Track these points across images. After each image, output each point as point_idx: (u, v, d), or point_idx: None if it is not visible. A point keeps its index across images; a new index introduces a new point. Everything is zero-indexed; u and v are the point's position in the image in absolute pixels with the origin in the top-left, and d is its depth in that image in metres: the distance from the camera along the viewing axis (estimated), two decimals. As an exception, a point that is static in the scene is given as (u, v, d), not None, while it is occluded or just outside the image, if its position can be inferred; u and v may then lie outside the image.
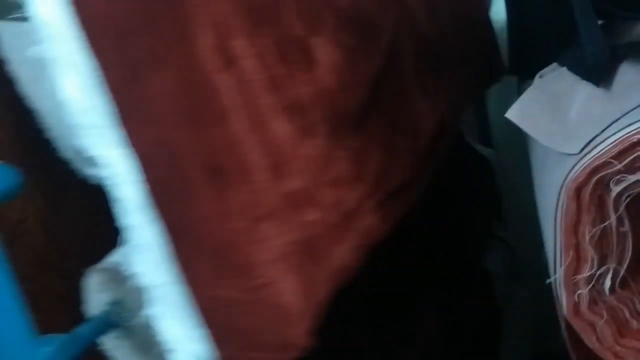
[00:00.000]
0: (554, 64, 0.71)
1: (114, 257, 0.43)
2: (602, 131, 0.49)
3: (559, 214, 0.48)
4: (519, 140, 1.48)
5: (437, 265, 0.87)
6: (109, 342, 0.44)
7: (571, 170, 0.49)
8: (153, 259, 0.40)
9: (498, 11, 1.32)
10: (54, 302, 0.47)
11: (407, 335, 0.76)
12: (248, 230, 0.40)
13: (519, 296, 1.31)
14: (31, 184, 0.47)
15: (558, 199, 0.49)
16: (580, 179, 0.46)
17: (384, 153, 0.61)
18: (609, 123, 0.50)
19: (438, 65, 0.80)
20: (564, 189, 0.48)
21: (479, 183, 1.21)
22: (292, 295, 0.42)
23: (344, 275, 0.50)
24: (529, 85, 1.08)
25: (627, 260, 0.48)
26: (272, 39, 0.47)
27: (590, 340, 0.47)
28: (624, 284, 0.49)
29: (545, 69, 0.71)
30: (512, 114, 0.63)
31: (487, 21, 1.08)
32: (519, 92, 1.11)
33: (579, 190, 0.46)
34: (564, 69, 0.66)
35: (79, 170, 0.44)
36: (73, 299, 0.44)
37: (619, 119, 0.50)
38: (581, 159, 0.49)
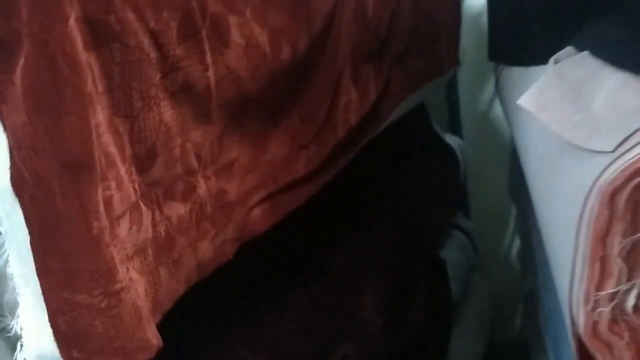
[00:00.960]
0: (569, 48, 0.61)
1: None
2: None
3: (585, 221, 0.42)
4: (490, 129, 1.47)
5: (382, 247, 0.87)
6: None
7: (604, 171, 0.42)
8: (15, 248, 0.38)
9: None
10: None
11: (344, 324, 0.75)
12: (110, 230, 0.39)
13: (476, 286, 1.31)
14: None
15: (584, 205, 0.43)
16: (618, 183, 0.40)
17: (289, 144, 0.59)
18: None
19: (382, 52, 0.77)
20: (594, 192, 0.42)
21: (440, 171, 1.20)
22: (142, 295, 0.41)
23: (207, 270, 0.49)
24: (505, 71, 1.05)
25: None
26: (174, 13, 0.44)
27: None
28: None
29: (560, 53, 0.62)
30: (527, 101, 0.55)
31: (454, 6, 1.04)
32: (497, 79, 1.09)
33: (614, 195, 0.40)
34: (585, 53, 0.58)
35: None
36: None
37: None
38: (617, 158, 0.42)
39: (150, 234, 0.43)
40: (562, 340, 0.76)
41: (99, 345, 0.38)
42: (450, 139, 1.31)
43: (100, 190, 0.38)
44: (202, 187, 0.49)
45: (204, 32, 0.47)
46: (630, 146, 0.42)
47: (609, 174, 0.41)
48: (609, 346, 0.42)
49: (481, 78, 1.39)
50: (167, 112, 0.44)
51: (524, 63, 0.88)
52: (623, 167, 0.40)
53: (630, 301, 0.42)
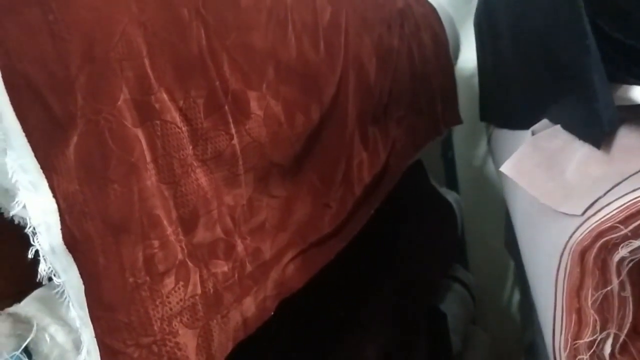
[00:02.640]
0: (545, 120, 0.69)
1: (27, 302, 0.45)
2: (605, 194, 0.48)
3: (561, 276, 0.47)
4: (485, 184, 1.52)
5: (385, 304, 0.90)
6: None
7: (574, 232, 0.47)
8: (74, 296, 0.42)
9: (471, 59, 1.38)
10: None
11: None
12: (149, 286, 0.42)
13: (476, 338, 1.33)
14: None
15: (560, 261, 0.48)
16: (586, 242, 0.45)
17: (312, 203, 0.63)
18: (611, 186, 0.49)
19: (385, 115, 0.84)
20: (566, 251, 0.47)
21: (439, 225, 1.24)
22: (190, 351, 0.44)
23: (252, 326, 0.52)
24: (495, 131, 1.11)
25: (627, 326, 0.46)
26: (200, 92, 0.50)
27: None
28: (623, 349, 0.47)
29: (537, 125, 0.70)
30: (507, 169, 0.62)
31: (447, 72, 1.12)
32: (488, 138, 1.15)
33: (583, 253, 0.45)
34: (558, 126, 0.65)
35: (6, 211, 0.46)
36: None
37: (619, 183, 0.49)
38: (585, 221, 0.47)
39: (199, 290, 0.46)
40: None
41: None
42: (447, 194, 1.35)
43: (140, 248, 0.42)
44: (240, 246, 0.52)
45: (226, 107, 0.53)
46: (595, 210, 0.48)
47: (578, 235, 0.47)
48: None
49: (475, 134, 1.46)
50: (202, 178, 0.49)
51: (510, 127, 0.95)
52: (590, 229, 0.46)
53: (607, 349, 0.46)
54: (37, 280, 0.45)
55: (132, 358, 0.41)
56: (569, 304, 0.46)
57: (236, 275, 0.51)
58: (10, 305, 0.49)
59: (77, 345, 0.44)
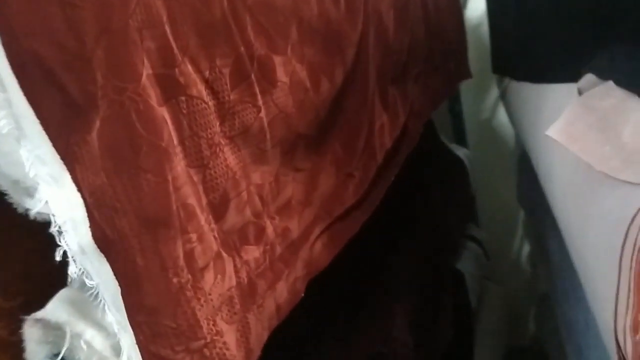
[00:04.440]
0: (591, 76, 0.63)
1: (56, 306, 0.41)
2: None
3: (628, 252, 0.43)
4: (493, 138, 1.49)
5: (409, 268, 0.87)
6: None
7: None
8: (109, 299, 0.38)
9: (477, 8, 1.31)
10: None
11: (380, 347, 0.76)
12: (192, 284, 0.38)
13: (491, 294, 1.33)
14: None
15: (626, 236, 0.43)
16: None
17: (336, 174, 0.59)
18: None
19: (404, 74, 0.78)
20: (635, 225, 0.42)
21: (454, 184, 1.21)
22: (233, 349, 0.40)
23: (285, 311, 0.49)
24: (509, 84, 1.06)
25: None
26: (226, 60, 0.45)
27: None
28: None
29: (583, 82, 0.63)
30: (556, 133, 0.57)
31: (458, 24, 1.06)
32: (502, 92, 1.10)
33: None
34: (610, 83, 0.59)
35: (19, 205, 0.41)
36: (18, 343, 0.43)
37: None
38: None
39: (234, 281, 0.43)
40: (589, 352, 0.77)
41: None
42: (457, 150, 1.32)
43: (180, 244, 0.38)
44: (269, 228, 0.49)
45: (253, 76, 0.47)
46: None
47: None
48: None
49: (483, 87, 1.41)
50: (230, 157, 0.44)
51: (532, 80, 0.89)
52: None
53: None
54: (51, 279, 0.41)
55: None
56: (638, 282, 0.42)
57: (267, 260, 0.48)
58: (29, 305, 0.45)
59: (117, 351, 0.40)
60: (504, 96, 1.11)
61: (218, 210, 0.43)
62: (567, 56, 0.73)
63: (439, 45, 0.93)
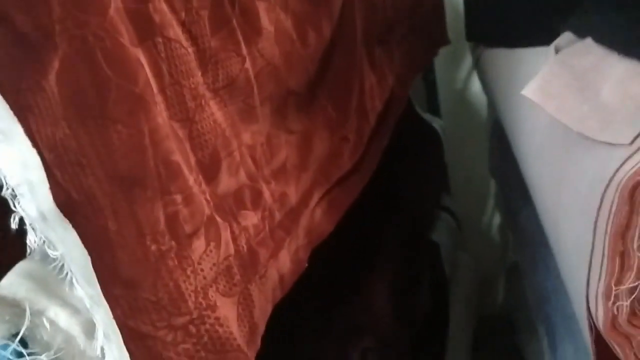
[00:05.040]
0: (569, 34, 0.59)
1: (13, 281, 0.35)
2: None
3: (603, 216, 0.41)
4: (467, 109, 1.47)
5: (388, 240, 0.85)
6: None
7: (622, 165, 0.40)
8: (78, 271, 0.33)
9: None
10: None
11: (360, 319, 0.73)
12: (177, 252, 0.33)
13: (463, 264, 1.33)
14: None
15: (602, 199, 0.41)
16: (638, 178, 0.38)
17: (330, 137, 0.55)
18: None
19: (389, 35, 0.74)
20: (612, 187, 0.40)
21: (428, 154, 1.19)
22: (231, 324, 0.36)
23: (289, 283, 0.45)
24: (486, 52, 1.04)
25: None
26: (203, 2, 0.39)
27: (626, 355, 0.42)
28: None
29: (560, 40, 0.60)
30: (531, 92, 0.53)
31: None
32: (476, 60, 1.07)
33: (633, 190, 0.38)
34: (588, 40, 0.56)
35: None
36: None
37: None
38: (637, 151, 0.40)
39: (232, 249, 0.38)
40: (558, 325, 0.77)
41: None
42: (432, 120, 1.30)
43: (160, 206, 0.32)
44: (266, 192, 0.44)
45: (234, 21, 0.42)
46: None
47: (628, 167, 0.39)
48: (627, 338, 0.42)
49: (457, 56, 1.39)
50: (217, 112, 0.39)
51: (507, 44, 0.86)
52: None
53: None
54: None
55: (164, 342, 0.32)
56: (613, 247, 0.40)
57: (267, 227, 0.43)
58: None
59: (86, 329, 0.35)
60: (477, 64, 1.08)
61: (209, 171, 0.38)
62: (542, 18, 0.70)
63: (420, 8, 0.88)
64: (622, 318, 0.41)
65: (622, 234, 0.39)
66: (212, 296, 0.35)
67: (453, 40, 1.17)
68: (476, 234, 1.54)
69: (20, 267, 0.38)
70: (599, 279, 0.41)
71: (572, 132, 0.48)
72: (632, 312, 0.41)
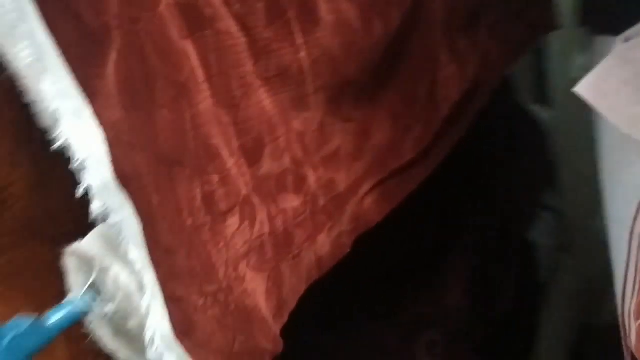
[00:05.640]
0: None
1: (90, 240, 0.41)
2: None
3: (638, 228, 0.39)
4: (579, 100, 1.35)
5: (471, 234, 0.82)
6: (92, 324, 0.44)
7: None
8: (131, 236, 0.38)
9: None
10: (42, 270, 0.47)
11: (429, 310, 0.73)
12: (211, 227, 0.37)
13: (566, 267, 1.24)
14: (18, 149, 0.46)
15: (638, 209, 0.40)
16: None
17: (392, 126, 0.55)
18: None
19: (476, 21, 0.71)
20: None
21: (528, 148, 1.12)
22: (259, 297, 0.39)
23: (327, 265, 0.46)
24: (603, 43, 0.95)
25: None
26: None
27: None
28: None
29: (631, 31, 0.55)
30: (584, 89, 0.49)
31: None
32: (592, 49, 0.98)
33: None
34: None
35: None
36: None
37: None
38: None
39: (267, 228, 0.41)
40: None
41: (202, 340, 0.37)
42: (538, 112, 1.22)
43: (197, 185, 0.36)
44: (312, 178, 0.46)
45: (290, 12, 0.44)
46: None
47: None
48: None
49: (572, 42, 1.27)
50: (266, 100, 0.42)
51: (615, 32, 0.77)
52: None
53: None
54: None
55: (195, 306, 0.36)
56: None
57: (308, 211, 0.45)
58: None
59: (140, 289, 0.40)
60: (594, 53, 0.99)
61: (252, 155, 0.41)
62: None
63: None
64: None
65: None
66: (242, 270, 0.38)
67: (570, 25, 1.08)
68: (586, 236, 1.42)
69: (99, 228, 0.44)
70: (632, 294, 0.38)
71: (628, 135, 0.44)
72: (668, 334, 0.37)
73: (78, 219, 0.46)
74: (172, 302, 0.37)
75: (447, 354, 0.68)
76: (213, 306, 0.36)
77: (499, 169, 1.00)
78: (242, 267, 0.38)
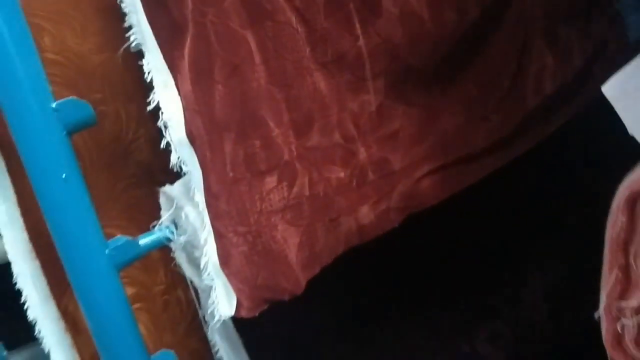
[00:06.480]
0: None
1: (177, 184, 0.52)
2: None
3: (610, 223, 0.40)
4: None
5: (564, 238, 0.78)
6: (175, 251, 0.55)
7: (630, 174, 0.39)
8: (196, 183, 0.48)
9: None
10: (155, 208, 0.60)
11: (497, 301, 0.72)
12: (249, 182, 0.44)
13: None
14: (144, 111, 0.59)
15: (614, 205, 0.40)
16: (635, 188, 0.37)
17: (464, 115, 0.56)
18: None
19: (587, 9, 0.66)
20: (616, 196, 0.39)
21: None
22: (290, 245, 0.45)
23: (370, 234, 0.51)
24: None
25: None
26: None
27: None
28: None
29: None
30: (608, 88, 0.50)
31: None
32: None
33: (632, 201, 0.37)
34: None
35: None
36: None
37: None
38: None
39: (307, 191, 0.47)
40: None
41: (235, 270, 0.44)
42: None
43: (241, 146, 0.45)
44: (362, 154, 0.51)
45: (352, 5, 0.49)
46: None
47: (634, 176, 0.38)
48: None
49: None
50: (321, 81, 0.48)
51: None
52: None
53: None
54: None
55: (231, 242, 0.45)
56: (612, 259, 0.40)
57: (354, 183, 0.50)
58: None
59: (204, 224, 0.50)
60: None
61: (301, 128, 0.48)
62: None
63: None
64: (629, 339, 0.37)
65: (624, 246, 0.37)
66: (274, 220, 0.45)
67: None
68: None
69: (185, 178, 0.56)
70: (603, 289, 0.38)
71: None
72: (642, 335, 0.36)
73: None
74: (217, 237, 0.46)
75: (514, 349, 0.67)
76: (243, 244, 0.45)
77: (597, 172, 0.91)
78: (276, 219, 0.46)
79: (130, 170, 0.60)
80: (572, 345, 0.74)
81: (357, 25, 0.50)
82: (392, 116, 0.53)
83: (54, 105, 0.44)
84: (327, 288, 0.52)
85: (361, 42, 0.50)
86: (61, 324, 0.58)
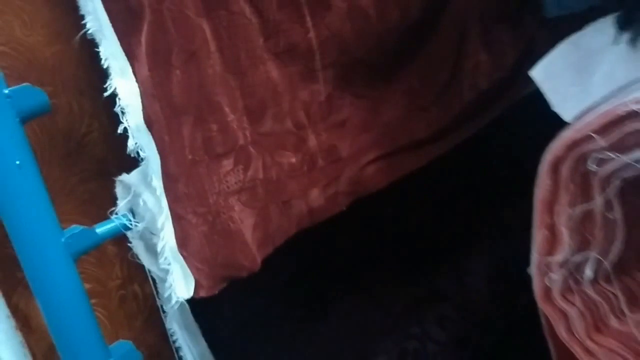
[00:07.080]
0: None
1: (137, 172, 0.53)
2: (606, 101, 0.43)
3: (537, 187, 0.44)
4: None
5: (504, 225, 0.83)
6: (132, 240, 0.55)
7: (555, 141, 0.44)
8: (154, 168, 0.49)
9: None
10: (106, 198, 0.60)
11: (444, 285, 0.76)
12: (207, 164, 0.46)
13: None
14: (98, 104, 0.59)
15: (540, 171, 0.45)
16: (558, 152, 0.42)
17: (406, 106, 0.60)
18: (614, 93, 0.43)
19: (521, 9, 0.72)
20: (541, 161, 0.44)
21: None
22: (246, 225, 0.47)
23: (319, 216, 0.53)
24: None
25: (615, 252, 0.43)
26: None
27: (559, 330, 0.44)
28: (609, 277, 0.44)
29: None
30: (536, 72, 0.54)
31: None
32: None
33: (555, 165, 0.42)
34: (607, 19, 0.53)
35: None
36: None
37: (626, 89, 0.42)
38: (566, 129, 0.43)
39: (261, 175, 0.50)
40: None
41: (194, 251, 0.46)
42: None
43: (199, 130, 0.46)
44: (312, 141, 0.54)
45: (302, -1, 0.52)
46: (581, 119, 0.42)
47: (555, 143, 0.43)
48: (563, 313, 0.43)
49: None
50: (274, 71, 0.51)
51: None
52: (564, 137, 0.41)
53: (588, 273, 0.43)
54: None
55: (190, 223, 0.46)
56: (540, 218, 0.43)
57: (305, 167, 0.53)
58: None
59: (161, 209, 0.51)
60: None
61: (254, 114, 0.50)
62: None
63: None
64: (556, 292, 0.42)
65: (549, 206, 0.41)
66: (231, 202, 0.47)
67: None
68: None
69: (141, 166, 0.56)
70: (533, 247, 0.42)
71: None
72: (568, 288, 0.42)
73: (135, 161, 0.58)
74: (176, 220, 0.47)
75: (460, 331, 0.70)
76: (203, 224, 0.46)
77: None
78: (233, 200, 0.48)
79: (84, 164, 0.60)
80: (514, 325, 0.78)
81: (308, 18, 0.53)
82: (340, 106, 0.56)
83: (6, 91, 0.44)
84: (280, 270, 0.54)
85: (312, 34, 0.53)
86: (11, 322, 0.56)
